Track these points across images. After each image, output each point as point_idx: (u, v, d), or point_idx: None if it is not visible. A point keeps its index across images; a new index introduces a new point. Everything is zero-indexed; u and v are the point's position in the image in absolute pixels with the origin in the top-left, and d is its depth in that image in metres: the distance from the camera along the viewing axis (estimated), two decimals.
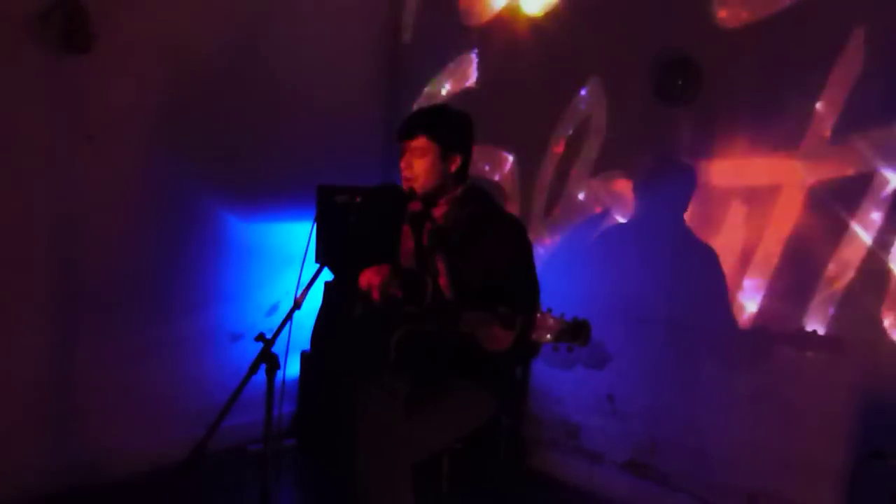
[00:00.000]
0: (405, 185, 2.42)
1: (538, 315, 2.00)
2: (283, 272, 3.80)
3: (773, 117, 2.91)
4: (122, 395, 3.32)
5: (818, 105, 2.80)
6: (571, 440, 3.55)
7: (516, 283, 2.32)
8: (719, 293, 3.07)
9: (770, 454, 2.92)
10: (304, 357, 3.77)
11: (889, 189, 2.66)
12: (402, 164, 2.41)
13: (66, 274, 3.14)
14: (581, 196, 3.54)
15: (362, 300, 2.41)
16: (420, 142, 2.37)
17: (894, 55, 2.64)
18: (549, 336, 1.98)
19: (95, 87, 3.13)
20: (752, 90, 2.97)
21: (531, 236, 2.51)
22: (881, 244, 2.67)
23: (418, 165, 2.37)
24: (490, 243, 2.36)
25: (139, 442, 3.35)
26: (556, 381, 3.58)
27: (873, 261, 2.68)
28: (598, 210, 3.48)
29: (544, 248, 3.64)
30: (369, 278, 2.33)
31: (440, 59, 4.05)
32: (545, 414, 3.63)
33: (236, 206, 3.70)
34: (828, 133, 2.79)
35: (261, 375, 2.00)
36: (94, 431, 3.26)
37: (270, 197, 3.83)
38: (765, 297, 2.96)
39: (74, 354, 3.20)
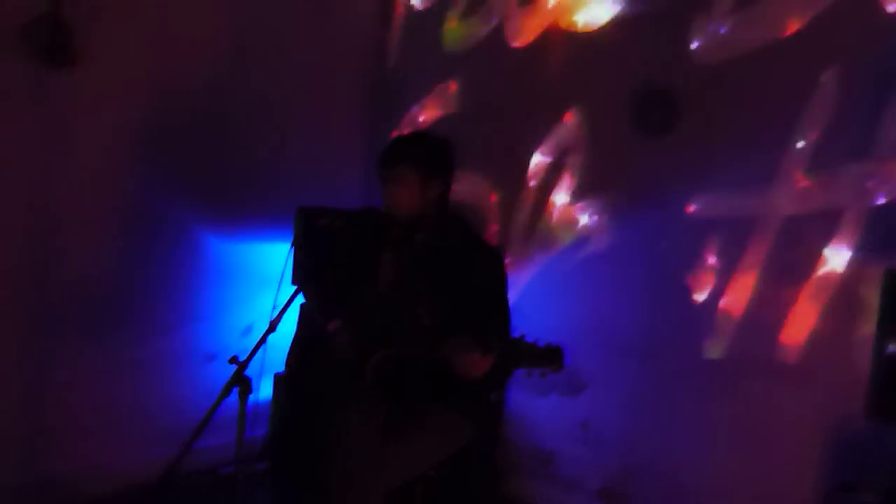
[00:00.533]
0: (386, 212, 2.43)
1: (513, 341, 2.02)
2: (260, 293, 3.78)
3: (748, 152, 2.96)
4: (94, 414, 3.27)
5: (792, 141, 2.86)
6: (546, 468, 3.55)
7: (493, 311, 2.34)
8: (693, 322, 3.10)
9: (741, 484, 2.93)
10: (278, 379, 3.74)
11: (860, 224, 2.71)
12: (384, 192, 2.43)
13: (40, 290, 3.11)
14: (559, 225, 3.57)
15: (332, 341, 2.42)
16: (401, 169, 2.39)
17: (865, 95, 2.71)
18: (522, 362, 2.00)
19: (78, 103, 3.11)
20: (728, 125, 3.03)
21: (509, 264, 2.54)
22: (852, 278, 2.72)
23: (399, 193, 2.39)
24: (469, 272, 2.37)
25: (110, 461, 3.30)
26: (531, 407, 3.58)
27: (844, 294, 2.73)
28: (576, 239, 3.51)
29: (523, 276, 3.65)
30: None
31: (424, 84, 4.09)
32: (520, 441, 3.63)
33: (216, 225, 3.69)
34: (801, 168, 2.85)
35: (233, 397, 1.99)
36: (65, 450, 3.20)
37: (250, 217, 3.82)
38: (738, 327, 3.00)
39: (46, 372, 3.16)
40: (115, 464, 3.30)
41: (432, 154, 2.47)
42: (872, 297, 2.50)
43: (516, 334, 2.05)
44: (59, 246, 3.13)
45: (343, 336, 2.44)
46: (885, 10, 2.67)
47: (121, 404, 3.36)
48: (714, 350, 3.05)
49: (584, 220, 3.48)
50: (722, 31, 3.05)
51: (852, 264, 2.72)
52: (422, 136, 2.54)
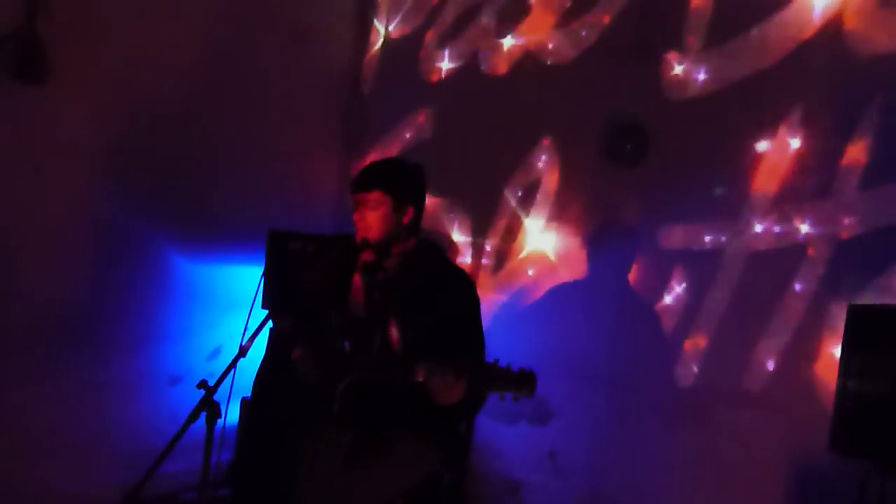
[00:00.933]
0: (358, 236, 2.43)
1: (486, 365, 2.02)
2: (227, 316, 3.73)
3: (717, 184, 3.03)
4: (51, 436, 3.18)
5: (759, 175, 2.93)
6: (513, 496, 3.53)
7: (465, 338, 2.34)
8: (661, 353, 3.14)
9: None
10: (245, 404, 3.69)
11: (824, 260, 2.77)
12: (356, 216, 2.43)
13: None
14: (531, 253, 3.59)
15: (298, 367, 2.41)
16: (374, 195, 2.40)
17: (829, 132, 2.79)
18: (496, 385, 2.00)
19: (47, 119, 3.08)
20: (697, 158, 3.10)
21: (481, 291, 2.56)
22: (815, 310, 2.78)
23: (371, 217, 2.39)
24: (440, 297, 2.37)
25: (67, 486, 3.19)
26: (499, 436, 3.56)
27: (808, 324, 2.79)
28: (546, 267, 3.54)
29: (493, 303, 3.66)
30: None
31: (398, 111, 4.11)
32: (487, 469, 3.60)
33: (184, 246, 3.65)
34: (768, 202, 2.92)
35: (199, 422, 1.96)
36: (20, 474, 3.10)
37: (220, 238, 3.79)
38: (705, 357, 3.03)
39: (1, 393, 3.07)
40: (72, 489, 3.20)
41: (405, 180, 2.48)
42: (837, 331, 2.55)
43: (489, 359, 2.05)
44: (19, 262, 3.07)
45: (309, 361, 2.42)
46: (848, 52, 2.76)
47: (80, 426, 3.27)
48: (681, 379, 3.08)
49: (554, 248, 3.51)
50: (692, 68, 3.12)
51: (817, 298, 2.78)
52: (395, 162, 2.56)
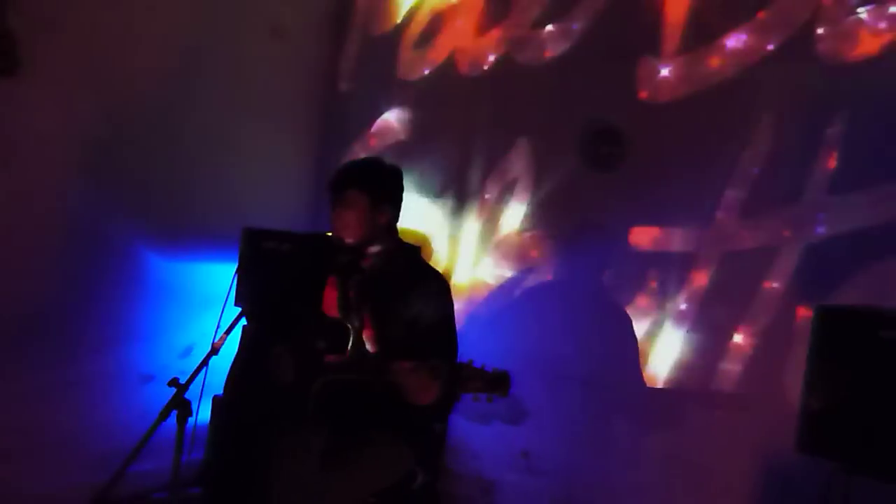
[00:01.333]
0: (335, 235, 2.43)
1: (461, 365, 2.04)
2: (200, 313, 3.69)
3: (689, 189, 3.06)
4: (19, 436, 3.12)
5: (731, 179, 2.97)
6: (487, 497, 3.54)
7: (438, 339, 2.35)
8: (634, 353, 3.17)
9: None
10: (216, 402, 3.65)
11: (794, 261, 2.82)
12: (333, 215, 2.43)
13: None
14: (506, 254, 3.61)
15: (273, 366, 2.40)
16: (351, 194, 2.40)
17: (798, 139, 2.84)
18: (471, 386, 2.02)
19: (17, 112, 3.02)
20: (672, 162, 3.13)
21: (455, 292, 2.57)
22: (785, 311, 2.82)
23: (348, 216, 2.40)
24: (415, 298, 2.38)
25: (36, 487, 3.14)
26: (473, 435, 3.57)
27: (778, 326, 2.83)
28: (521, 268, 3.55)
29: (467, 303, 3.67)
30: None
31: (376, 109, 4.10)
32: (461, 469, 3.61)
33: (156, 242, 3.61)
34: (739, 206, 2.96)
35: (171, 420, 1.94)
36: None
37: (193, 235, 3.75)
38: (677, 357, 3.07)
39: None
40: (41, 489, 3.15)
41: (382, 180, 2.49)
42: (805, 331, 2.59)
43: (463, 360, 2.06)
44: None
45: (284, 360, 2.41)
46: (818, 58, 2.81)
47: (49, 426, 3.22)
48: (653, 380, 3.11)
49: (529, 249, 3.53)
50: (668, 72, 3.16)
51: (786, 300, 2.82)
52: (373, 162, 2.56)
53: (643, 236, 3.20)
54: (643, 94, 3.21)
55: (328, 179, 2.48)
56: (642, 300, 3.18)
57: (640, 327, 3.17)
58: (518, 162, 3.59)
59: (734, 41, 3.00)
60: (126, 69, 3.36)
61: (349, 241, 2.42)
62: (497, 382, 2.04)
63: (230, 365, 2.65)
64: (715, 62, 3.04)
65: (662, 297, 3.12)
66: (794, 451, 2.28)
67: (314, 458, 2.30)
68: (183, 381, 1.97)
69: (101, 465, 2.73)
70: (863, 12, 2.73)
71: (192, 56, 3.62)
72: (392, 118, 4.06)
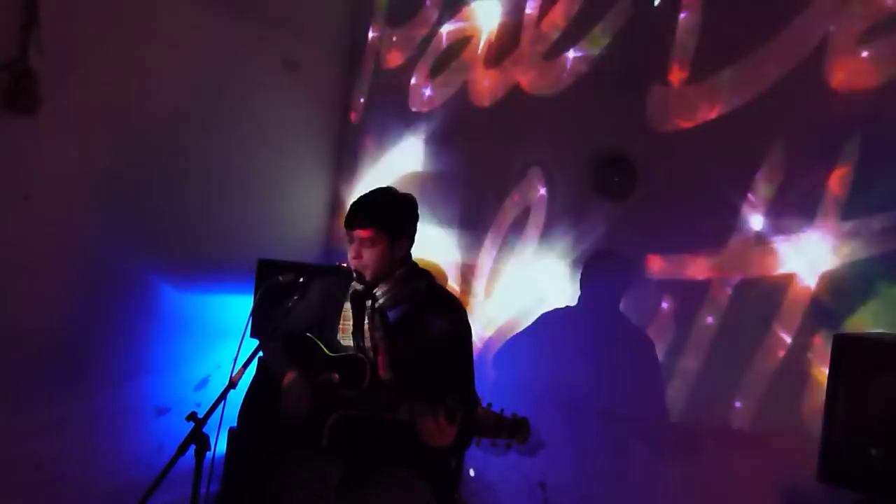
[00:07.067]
0: (353, 270, 2.41)
1: (480, 411, 2.01)
2: (215, 345, 3.71)
3: (702, 216, 3.06)
4: (35, 469, 3.13)
5: (744, 207, 2.97)
6: None
7: (455, 368, 2.33)
8: (651, 384, 3.14)
9: None
10: (232, 435, 3.65)
11: (807, 291, 2.80)
12: (352, 253, 2.41)
13: None
14: (520, 282, 3.60)
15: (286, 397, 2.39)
16: (370, 233, 2.37)
17: (811, 164, 2.84)
18: (489, 432, 1.99)
19: (37, 149, 3.07)
20: (683, 190, 3.13)
21: (471, 319, 2.55)
22: (800, 344, 2.79)
23: (368, 255, 2.37)
24: (431, 324, 2.37)
25: None
26: (489, 466, 3.54)
27: (794, 359, 2.80)
28: (536, 296, 3.55)
29: (483, 331, 3.66)
30: None
31: (388, 140, 4.14)
32: (477, 502, 3.57)
33: (172, 275, 3.63)
34: (752, 234, 2.95)
35: (189, 454, 1.94)
36: None
37: (209, 268, 3.78)
38: (694, 389, 3.04)
39: None
40: None
41: (400, 215, 2.47)
42: (823, 361, 2.57)
43: (483, 402, 2.03)
44: (4, 292, 3.03)
45: (298, 391, 2.41)
46: (829, 84, 2.82)
47: (63, 459, 3.22)
48: (670, 410, 3.08)
49: (544, 277, 3.52)
50: (679, 101, 3.17)
51: (803, 328, 2.80)
52: (389, 196, 2.51)
53: (657, 264, 3.19)
54: (653, 123, 3.22)
55: (346, 215, 2.46)
56: (658, 329, 3.16)
57: (656, 357, 3.14)
58: (531, 191, 3.60)
59: (743, 69, 3.01)
60: (143, 105, 3.41)
61: (370, 277, 2.41)
62: (516, 429, 2.01)
63: (244, 395, 2.64)
64: (726, 89, 3.05)
65: (678, 326, 3.10)
66: (817, 481, 2.25)
67: (330, 491, 2.28)
68: (199, 413, 1.97)
69: (116, 499, 2.73)
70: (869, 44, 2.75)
71: (207, 91, 3.68)
72: (405, 150, 4.09)
